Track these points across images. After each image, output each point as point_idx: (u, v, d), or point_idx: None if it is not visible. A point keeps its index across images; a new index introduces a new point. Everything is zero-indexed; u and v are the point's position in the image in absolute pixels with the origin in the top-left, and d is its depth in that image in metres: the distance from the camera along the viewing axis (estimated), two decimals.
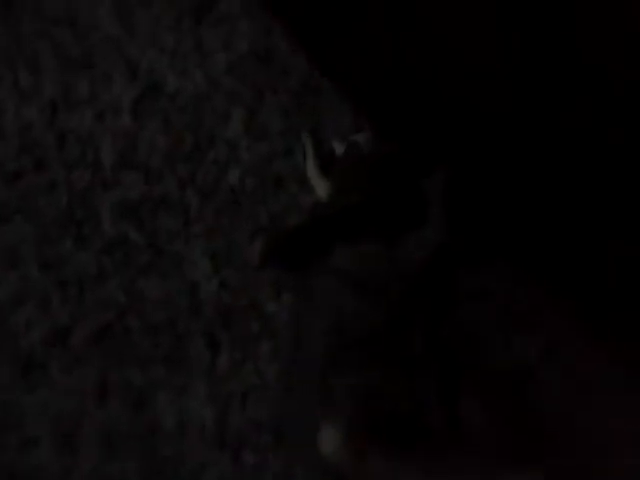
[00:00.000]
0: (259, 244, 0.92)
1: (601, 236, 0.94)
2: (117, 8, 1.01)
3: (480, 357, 0.90)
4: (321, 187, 0.91)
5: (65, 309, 0.86)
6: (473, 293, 0.94)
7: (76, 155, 0.93)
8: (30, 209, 0.90)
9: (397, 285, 0.79)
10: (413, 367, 0.75)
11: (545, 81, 0.95)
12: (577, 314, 0.96)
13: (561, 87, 0.94)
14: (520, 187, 0.97)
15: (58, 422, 0.83)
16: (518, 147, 0.98)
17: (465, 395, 0.77)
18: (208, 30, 1.03)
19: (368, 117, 1.04)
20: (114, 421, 0.83)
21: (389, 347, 0.76)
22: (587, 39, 0.91)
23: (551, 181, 0.96)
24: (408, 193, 0.86)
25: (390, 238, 0.80)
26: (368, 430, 0.69)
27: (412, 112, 1.01)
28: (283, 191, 0.96)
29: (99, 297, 0.88)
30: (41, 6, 0.99)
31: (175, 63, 1.01)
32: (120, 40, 1.00)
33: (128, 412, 0.84)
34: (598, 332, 0.95)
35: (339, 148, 0.95)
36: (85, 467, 0.81)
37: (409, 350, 0.76)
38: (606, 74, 0.91)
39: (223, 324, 0.89)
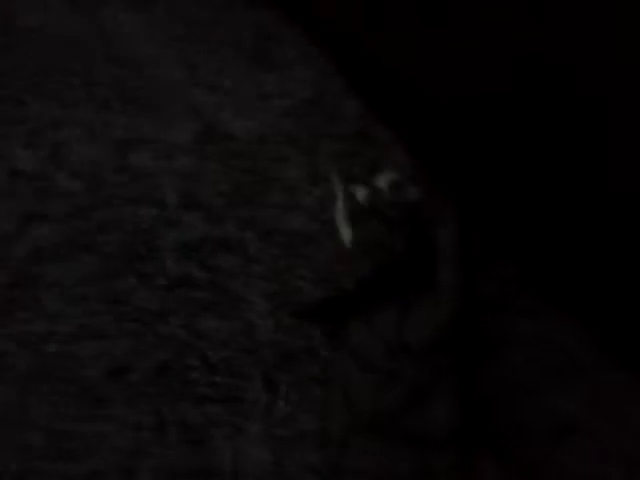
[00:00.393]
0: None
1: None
2: (183, 54, 1.05)
3: (515, 416, 0.91)
4: (346, 235, 0.93)
5: (127, 344, 0.89)
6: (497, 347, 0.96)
7: (142, 193, 0.96)
8: (97, 245, 0.93)
9: (408, 364, 0.81)
10: (429, 449, 0.77)
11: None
12: (615, 357, 0.97)
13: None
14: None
15: (118, 455, 0.84)
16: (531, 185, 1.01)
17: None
18: (266, 75, 1.07)
19: (412, 156, 1.07)
20: (171, 456, 0.85)
21: (403, 428, 0.77)
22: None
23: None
24: (424, 249, 0.90)
25: (403, 305, 0.83)
26: None
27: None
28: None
29: (160, 333, 0.90)
30: (110, 50, 1.03)
31: (235, 106, 1.04)
32: (183, 83, 1.04)
33: (185, 449, 0.85)
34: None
35: (360, 192, 0.96)
36: None
37: (425, 431, 0.78)
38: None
39: (281, 366, 0.90)
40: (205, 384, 0.88)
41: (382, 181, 0.97)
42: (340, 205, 0.95)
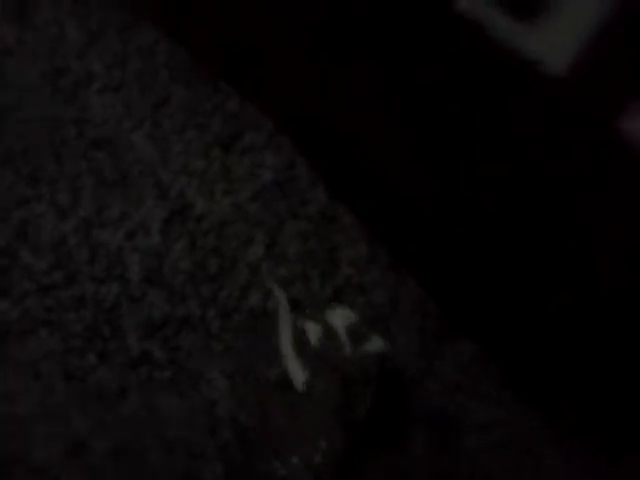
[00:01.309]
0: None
1: None
2: (152, 134, 1.09)
3: None
4: (297, 373, 0.87)
5: (85, 423, 0.89)
6: None
7: (105, 270, 0.98)
8: (57, 322, 0.94)
9: None
10: None
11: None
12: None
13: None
14: None
15: None
16: None
17: None
18: (235, 159, 1.11)
19: (384, 245, 1.11)
20: None
21: None
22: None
23: None
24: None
25: None
26: None
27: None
28: (299, 313, 1.02)
29: (119, 413, 0.90)
30: (83, 130, 1.06)
31: (203, 188, 1.08)
32: (153, 164, 1.07)
33: None
34: None
35: (313, 330, 0.88)
36: None
37: None
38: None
39: (240, 446, 0.91)
40: (163, 465, 0.89)
41: (338, 319, 0.91)
42: (287, 338, 0.90)
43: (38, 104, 1.07)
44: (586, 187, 0.91)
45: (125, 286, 0.98)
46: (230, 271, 1.02)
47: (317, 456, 0.85)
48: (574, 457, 1.04)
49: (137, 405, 0.91)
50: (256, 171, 1.11)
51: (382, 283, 1.09)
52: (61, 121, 1.06)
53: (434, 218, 1.09)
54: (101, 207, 1.02)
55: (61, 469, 0.87)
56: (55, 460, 0.87)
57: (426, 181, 1.09)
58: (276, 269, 1.04)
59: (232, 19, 1.14)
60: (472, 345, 1.08)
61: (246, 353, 0.98)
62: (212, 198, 1.07)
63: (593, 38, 0.80)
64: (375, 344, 0.93)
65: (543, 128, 0.91)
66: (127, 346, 0.94)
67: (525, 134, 0.94)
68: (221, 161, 1.10)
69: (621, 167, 0.86)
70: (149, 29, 1.17)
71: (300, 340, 0.90)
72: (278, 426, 0.89)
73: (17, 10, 1.14)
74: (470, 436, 1.02)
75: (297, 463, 0.86)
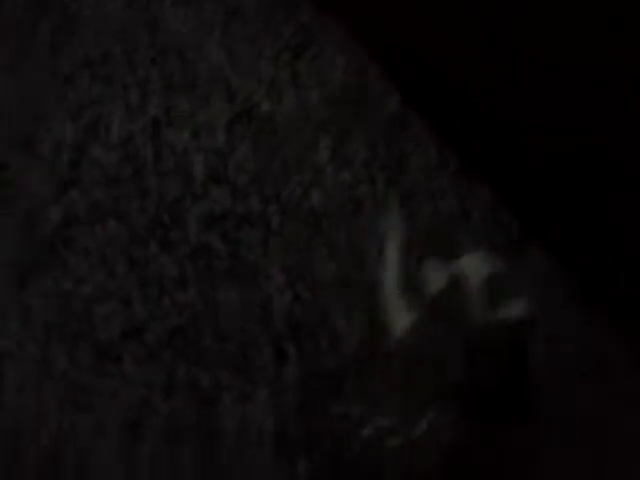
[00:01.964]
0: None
1: None
2: (223, 42, 1.11)
3: None
4: (399, 314, 0.72)
5: (144, 307, 0.92)
6: None
7: (170, 168, 1.01)
8: (123, 213, 0.98)
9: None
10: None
11: None
12: None
13: None
14: None
15: (126, 410, 0.87)
16: None
17: None
18: (305, 65, 1.11)
19: (455, 152, 1.07)
20: (178, 416, 0.87)
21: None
22: None
23: None
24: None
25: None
26: None
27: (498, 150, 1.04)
28: (361, 216, 1.00)
29: (177, 300, 0.93)
30: (155, 39, 1.10)
31: (271, 93, 1.09)
32: (223, 69, 1.09)
33: (192, 409, 0.87)
34: None
35: (435, 274, 0.74)
36: (146, 453, 0.85)
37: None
38: None
39: (292, 337, 0.92)
40: (217, 350, 0.91)
41: (474, 269, 0.72)
42: (393, 277, 0.74)
43: (113, 14, 1.11)
44: None
45: (189, 183, 1.00)
46: (293, 172, 1.02)
47: (413, 429, 0.65)
48: None
49: (194, 293, 0.93)
50: (326, 77, 1.10)
51: (451, 191, 1.05)
52: (134, 30, 1.10)
53: (506, 124, 1.04)
54: (169, 108, 1.05)
55: (121, 348, 0.91)
56: (116, 339, 0.91)
57: (499, 87, 1.04)
58: (340, 173, 1.03)
59: None
60: (545, 257, 1.02)
61: (305, 251, 0.98)
62: (279, 102, 1.07)
63: None
64: (517, 308, 0.74)
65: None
66: (188, 237, 0.97)
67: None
68: (291, 67, 1.10)
69: None
70: None
71: (413, 285, 0.74)
72: (356, 350, 0.80)
73: None
74: (541, 348, 0.97)
75: (386, 428, 0.69)
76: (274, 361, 0.90)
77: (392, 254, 0.74)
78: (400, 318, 0.72)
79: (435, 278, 0.73)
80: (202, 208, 0.99)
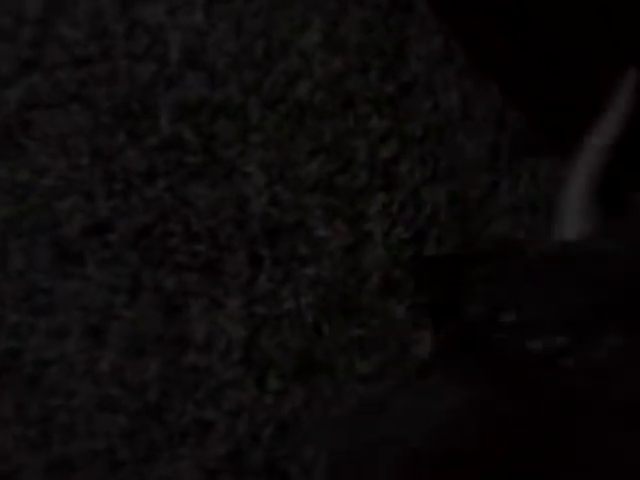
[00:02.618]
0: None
1: None
2: None
3: None
4: (573, 227, 0.64)
5: (109, 204, 0.86)
6: None
7: (143, 48, 0.91)
8: (88, 97, 0.89)
9: None
10: None
11: None
12: None
13: None
14: None
15: (88, 314, 0.82)
16: None
17: None
18: None
19: (462, 43, 0.96)
20: (143, 322, 0.82)
21: None
22: None
23: None
24: None
25: None
26: None
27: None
28: (352, 111, 0.91)
29: (145, 196, 0.86)
30: None
31: None
32: None
33: (158, 315, 0.83)
34: None
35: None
36: (110, 360, 0.81)
37: None
38: None
39: (268, 242, 0.85)
40: (186, 252, 0.85)
41: None
42: (580, 178, 0.66)
43: None
44: None
45: (162, 65, 0.91)
46: (278, 58, 0.92)
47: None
48: None
49: (164, 189, 0.86)
50: None
51: (455, 85, 0.95)
52: None
53: (523, 14, 0.92)
54: None
55: (83, 245, 0.85)
56: (77, 236, 0.85)
57: None
58: (331, 59, 0.93)
59: None
60: (552, 162, 0.93)
61: (286, 148, 0.89)
62: None
63: None
64: None
65: None
66: (159, 127, 0.88)
67: None
68: None
69: None
70: None
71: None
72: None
73: None
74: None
75: None
76: (248, 267, 0.84)
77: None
78: (574, 223, 0.66)
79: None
80: (176, 95, 0.90)
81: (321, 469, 0.74)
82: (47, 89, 0.89)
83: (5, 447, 0.78)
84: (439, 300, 0.61)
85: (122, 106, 0.89)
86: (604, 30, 0.86)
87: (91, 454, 0.78)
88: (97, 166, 0.87)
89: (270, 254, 0.85)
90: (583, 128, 0.94)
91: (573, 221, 0.64)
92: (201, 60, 0.91)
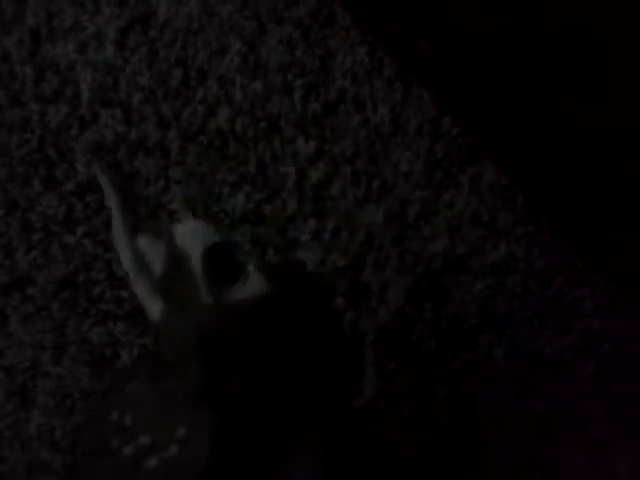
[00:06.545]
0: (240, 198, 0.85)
1: None
2: None
3: None
4: (151, 306, 0.58)
5: (28, 256, 0.84)
6: None
7: (53, 90, 0.89)
8: (1, 146, 0.87)
9: None
10: None
11: None
12: None
13: None
14: None
15: (13, 374, 0.81)
16: None
17: None
18: None
19: (388, 53, 0.94)
20: (71, 377, 0.81)
21: None
22: None
23: None
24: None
25: None
26: None
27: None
28: (277, 136, 0.89)
29: (65, 244, 0.84)
30: None
31: None
32: None
33: (86, 370, 0.81)
34: None
35: (153, 251, 0.57)
36: (38, 421, 0.79)
37: None
38: None
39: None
40: (111, 300, 0.83)
41: (187, 237, 0.57)
42: (126, 258, 0.60)
43: None
44: None
45: (75, 106, 0.89)
46: (196, 86, 0.90)
47: (168, 444, 0.52)
48: (615, 297, 0.89)
49: (84, 236, 0.85)
50: None
51: (385, 97, 0.93)
52: None
53: (449, 16, 0.90)
54: (50, 16, 0.92)
55: (4, 303, 0.83)
56: None
57: None
58: (251, 83, 0.91)
59: None
60: (492, 171, 0.91)
61: (210, 180, 0.87)
62: (179, 1, 0.94)
63: None
64: (255, 284, 0.55)
65: None
66: (75, 171, 0.87)
67: None
68: None
69: None
70: None
71: (144, 264, 0.59)
72: None
73: None
74: (482, 280, 0.88)
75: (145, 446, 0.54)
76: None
77: (118, 234, 0.60)
78: (151, 306, 0.58)
79: (155, 251, 0.58)
80: (91, 136, 0.88)
81: None
82: None
83: None
84: None
85: (35, 152, 0.87)
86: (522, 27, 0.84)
87: None
88: (13, 217, 0.85)
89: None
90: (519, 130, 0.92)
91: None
92: (115, 97, 0.90)
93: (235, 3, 0.94)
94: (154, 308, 0.58)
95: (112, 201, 0.64)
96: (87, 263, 0.84)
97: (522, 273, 0.89)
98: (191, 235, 0.56)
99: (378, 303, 0.87)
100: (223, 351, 0.50)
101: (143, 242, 0.58)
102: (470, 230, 0.90)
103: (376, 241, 0.88)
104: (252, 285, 0.54)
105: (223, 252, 0.54)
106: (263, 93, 0.91)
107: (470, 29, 0.90)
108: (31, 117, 0.89)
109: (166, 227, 0.61)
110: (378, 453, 0.52)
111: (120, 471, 0.49)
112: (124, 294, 0.83)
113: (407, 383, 0.87)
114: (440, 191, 0.91)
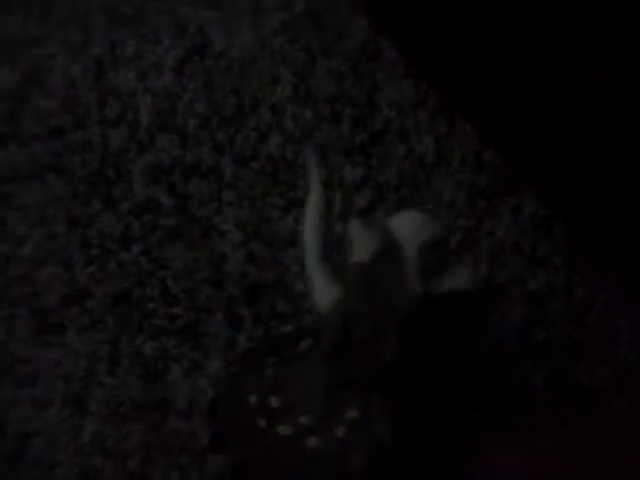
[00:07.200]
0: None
1: None
2: None
3: None
4: (324, 293, 0.63)
5: (86, 271, 0.88)
6: None
7: (115, 114, 0.95)
8: (64, 167, 0.92)
9: None
10: None
11: None
12: None
13: None
14: None
15: (69, 383, 0.85)
16: None
17: None
18: None
19: (432, 86, 0.98)
20: (124, 388, 0.84)
21: None
22: None
23: None
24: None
25: None
26: None
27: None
28: (325, 162, 0.93)
29: (121, 261, 0.89)
30: None
31: (227, 23, 1.00)
32: None
33: (138, 381, 0.84)
34: None
35: (366, 238, 0.60)
36: (92, 429, 0.82)
37: None
38: None
39: (246, 301, 0.87)
40: (164, 315, 0.87)
41: (408, 229, 0.61)
42: (313, 242, 0.65)
43: None
44: None
45: (134, 130, 0.94)
46: (249, 113, 0.95)
47: (336, 424, 0.57)
48: None
49: (140, 253, 0.89)
50: (287, 1, 1.01)
51: (429, 129, 0.97)
52: None
53: (493, 50, 0.94)
54: (113, 46, 0.98)
55: (63, 313, 0.87)
56: (56, 305, 0.87)
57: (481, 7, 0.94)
58: (301, 112, 0.95)
59: None
60: (533, 202, 0.94)
61: (261, 204, 0.92)
62: (235, 33, 0.99)
63: None
64: (461, 278, 0.61)
65: None
66: (133, 191, 0.91)
67: None
68: None
69: None
70: None
71: (338, 248, 0.64)
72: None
73: None
74: (520, 308, 0.91)
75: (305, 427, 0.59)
76: (227, 327, 0.86)
77: (311, 214, 0.65)
78: (324, 294, 0.63)
79: (368, 239, 0.61)
80: (148, 159, 0.93)
81: None
82: (23, 161, 0.93)
83: None
84: None
85: (96, 173, 0.92)
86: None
87: None
88: (74, 233, 0.90)
89: (249, 313, 0.86)
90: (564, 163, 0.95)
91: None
92: (172, 122, 0.95)
93: (287, 36, 1.00)
94: (327, 296, 0.62)
95: (315, 180, 0.67)
96: (142, 279, 0.88)
97: (561, 302, 0.92)
98: (409, 225, 0.61)
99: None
100: (418, 339, 0.55)
101: (356, 226, 0.61)
102: (510, 259, 0.93)
103: None
104: (459, 279, 0.59)
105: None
106: (313, 122, 0.96)
107: (512, 64, 0.94)
108: (92, 139, 0.94)
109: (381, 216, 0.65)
110: None
111: (278, 448, 0.53)
112: (177, 310, 0.87)
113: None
114: (482, 220, 0.94)
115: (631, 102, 0.80)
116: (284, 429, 0.56)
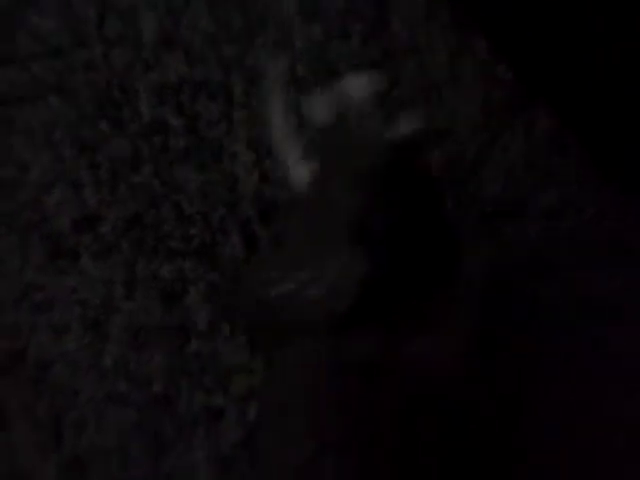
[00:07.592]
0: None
1: None
2: None
3: None
4: (296, 169, 0.65)
5: (97, 194, 0.86)
6: None
7: (117, 32, 0.91)
8: (67, 88, 0.89)
9: None
10: None
11: None
12: None
13: None
14: None
15: (87, 309, 0.84)
16: None
17: None
18: None
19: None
20: (143, 312, 0.83)
21: None
22: None
23: None
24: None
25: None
26: None
27: None
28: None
29: (132, 183, 0.87)
30: None
31: None
32: None
33: (157, 305, 0.84)
34: None
35: (319, 105, 0.63)
36: (113, 354, 0.82)
37: None
38: None
39: (261, 220, 0.86)
40: (179, 237, 0.86)
41: (357, 89, 0.64)
42: (279, 118, 0.67)
43: None
44: None
45: (138, 48, 0.91)
46: (257, 31, 0.92)
47: (329, 275, 0.59)
48: None
49: (151, 175, 0.87)
50: None
51: (440, 44, 0.95)
52: None
53: None
54: None
55: (76, 241, 0.86)
56: (68, 230, 0.86)
57: None
58: (309, 26, 0.92)
59: None
60: (549, 118, 0.94)
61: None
62: None
63: None
64: (409, 124, 0.64)
65: None
66: (140, 112, 0.89)
67: None
68: None
69: None
70: None
71: (298, 121, 0.66)
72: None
73: None
74: (535, 224, 0.91)
75: (305, 279, 0.62)
76: (244, 248, 0.85)
77: (274, 88, 0.69)
78: (295, 164, 0.66)
79: (320, 105, 0.65)
80: (154, 78, 0.90)
81: None
82: (25, 82, 0.89)
83: (15, 450, 0.80)
84: None
85: (102, 94, 0.89)
86: None
87: (102, 451, 0.80)
88: (82, 156, 0.87)
89: (265, 233, 0.85)
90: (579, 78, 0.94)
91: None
92: (177, 39, 0.91)
93: None
94: (301, 173, 0.64)
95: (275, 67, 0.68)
96: (155, 202, 0.86)
97: (573, 218, 0.92)
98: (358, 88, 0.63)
99: None
100: (388, 184, 0.57)
101: (307, 99, 0.64)
102: (523, 174, 0.93)
103: None
104: (409, 123, 0.61)
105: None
106: (322, 39, 0.93)
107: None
108: (95, 59, 0.91)
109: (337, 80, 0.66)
110: None
111: (285, 300, 0.55)
112: (193, 231, 0.86)
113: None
114: (496, 136, 0.93)
115: None
116: (287, 287, 0.59)
